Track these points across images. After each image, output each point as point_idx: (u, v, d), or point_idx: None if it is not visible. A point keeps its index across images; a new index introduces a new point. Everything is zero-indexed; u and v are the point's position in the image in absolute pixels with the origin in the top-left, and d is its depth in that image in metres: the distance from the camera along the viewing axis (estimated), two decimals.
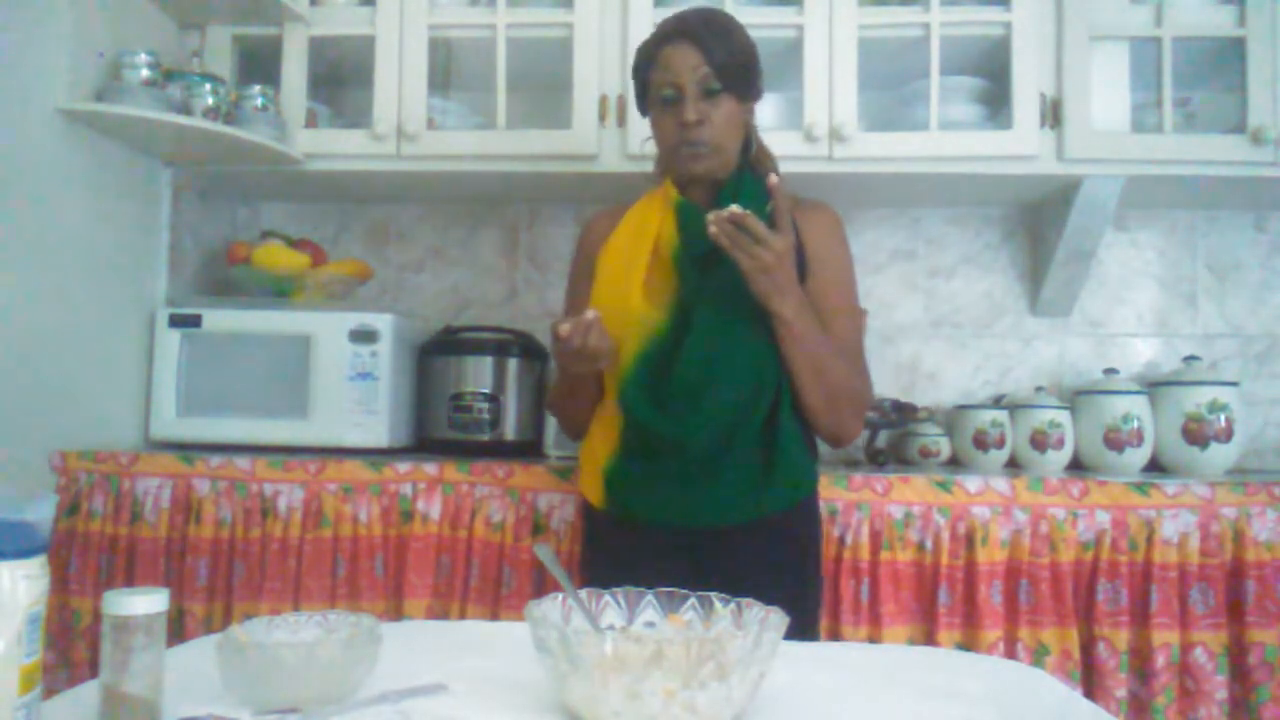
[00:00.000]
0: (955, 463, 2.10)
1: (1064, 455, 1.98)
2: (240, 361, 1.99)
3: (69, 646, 1.77)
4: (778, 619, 0.80)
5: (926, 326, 2.31)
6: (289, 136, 2.04)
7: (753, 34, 1.86)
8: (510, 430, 2.02)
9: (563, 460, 1.91)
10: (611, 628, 0.88)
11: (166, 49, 2.04)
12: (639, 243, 1.40)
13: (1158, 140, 1.93)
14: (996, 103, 2.04)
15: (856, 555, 1.67)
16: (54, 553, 1.75)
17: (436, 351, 2.08)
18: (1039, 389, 2.11)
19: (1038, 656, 1.62)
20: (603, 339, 1.26)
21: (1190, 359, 2.02)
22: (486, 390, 2.01)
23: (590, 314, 1.24)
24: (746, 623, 0.84)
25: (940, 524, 1.67)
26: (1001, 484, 1.69)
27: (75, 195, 1.84)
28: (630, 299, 1.36)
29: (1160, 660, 1.61)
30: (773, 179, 1.25)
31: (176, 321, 2.00)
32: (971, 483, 1.69)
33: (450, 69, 2.23)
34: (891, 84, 2.07)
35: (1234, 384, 1.95)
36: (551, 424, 2.04)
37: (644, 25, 1.96)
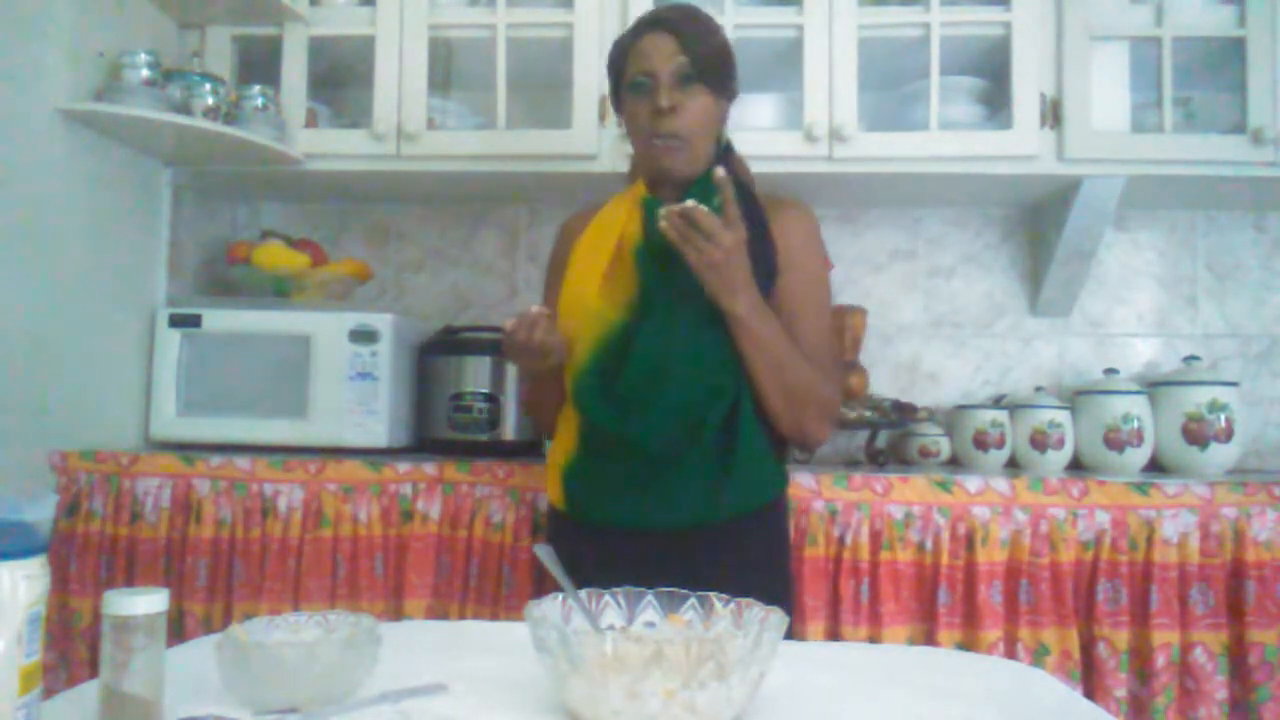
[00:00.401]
0: (955, 463, 2.10)
1: (1064, 455, 1.98)
2: (240, 361, 1.99)
3: (69, 646, 1.77)
4: (778, 619, 0.80)
5: (926, 326, 2.31)
6: (289, 136, 2.04)
7: (753, 34, 1.87)
8: (510, 430, 2.02)
9: None
10: (611, 628, 0.88)
11: (166, 49, 2.04)
12: (604, 240, 1.39)
13: (1158, 140, 1.93)
14: (996, 103, 2.04)
15: (856, 555, 1.67)
16: (54, 553, 1.75)
17: (436, 351, 2.08)
18: (1039, 389, 2.11)
19: (1038, 656, 1.62)
20: (549, 335, 1.24)
21: (1190, 359, 2.02)
22: (486, 390, 2.01)
23: (535, 309, 1.23)
24: (746, 623, 0.84)
25: (940, 524, 1.67)
26: (1001, 484, 1.69)
27: (75, 195, 1.84)
28: (588, 296, 1.35)
29: (1160, 660, 1.61)
30: (719, 171, 1.23)
31: (176, 321, 2.00)
32: (971, 483, 1.69)
33: (450, 69, 2.23)
34: (891, 84, 2.07)
35: (1234, 384, 1.95)
36: None
37: None
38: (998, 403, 2.11)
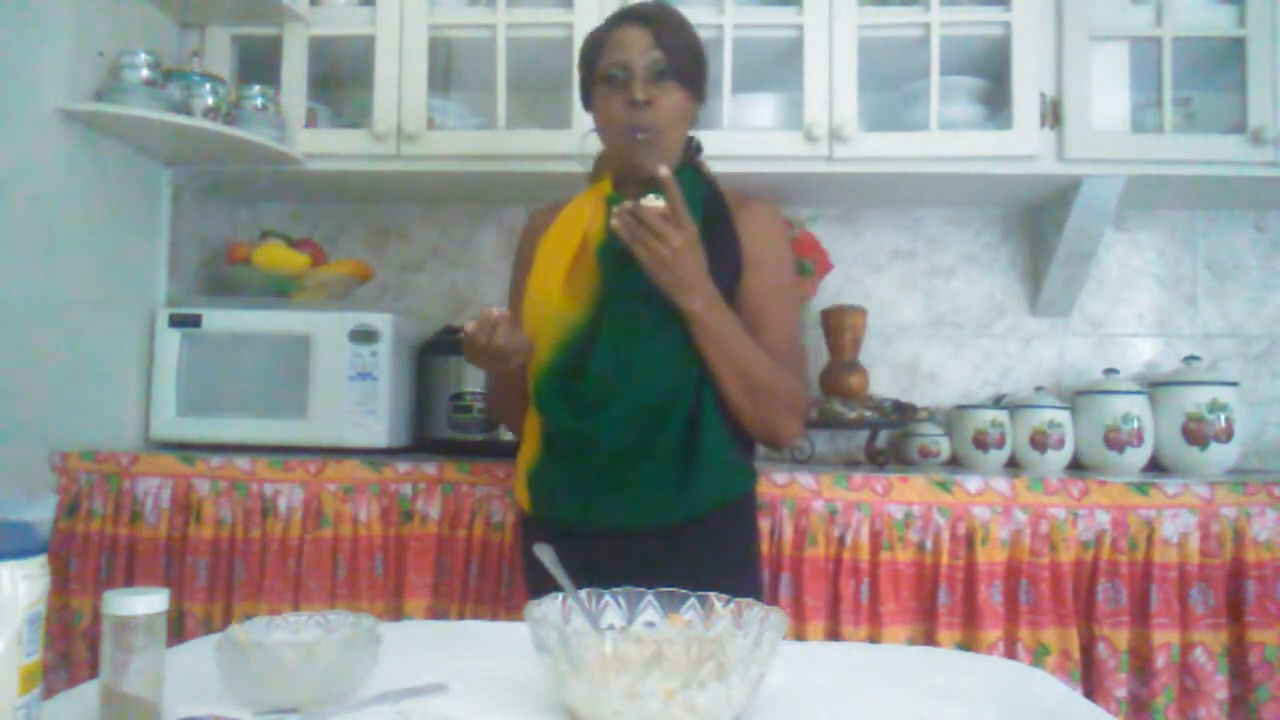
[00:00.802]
0: (955, 463, 2.10)
1: (1064, 455, 1.98)
2: (240, 361, 1.99)
3: (69, 646, 1.77)
4: (778, 619, 0.80)
5: (926, 326, 2.31)
6: (289, 136, 2.04)
7: (753, 34, 1.87)
8: (510, 430, 2.02)
9: None
10: (611, 628, 0.88)
11: (166, 49, 2.04)
12: (567, 238, 1.38)
13: (1158, 140, 1.93)
14: (996, 103, 2.04)
15: (856, 555, 1.67)
16: (54, 553, 1.75)
17: (436, 351, 2.08)
18: (1039, 389, 2.11)
19: (1038, 656, 1.62)
20: (510, 337, 1.23)
21: (1190, 359, 2.02)
22: (486, 390, 2.01)
23: (495, 311, 1.21)
24: (746, 623, 0.84)
25: (940, 524, 1.67)
26: (1001, 484, 1.69)
27: (75, 195, 1.84)
28: (550, 295, 1.34)
29: (1160, 660, 1.61)
30: (662, 170, 1.21)
31: (176, 321, 2.00)
32: (971, 483, 1.69)
33: (450, 69, 2.23)
34: (891, 84, 2.07)
35: (1234, 384, 1.95)
36: None
37: None
38: (998, 403, 2.11)
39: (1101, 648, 1.63)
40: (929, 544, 1.67)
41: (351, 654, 0.81)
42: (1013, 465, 2.04)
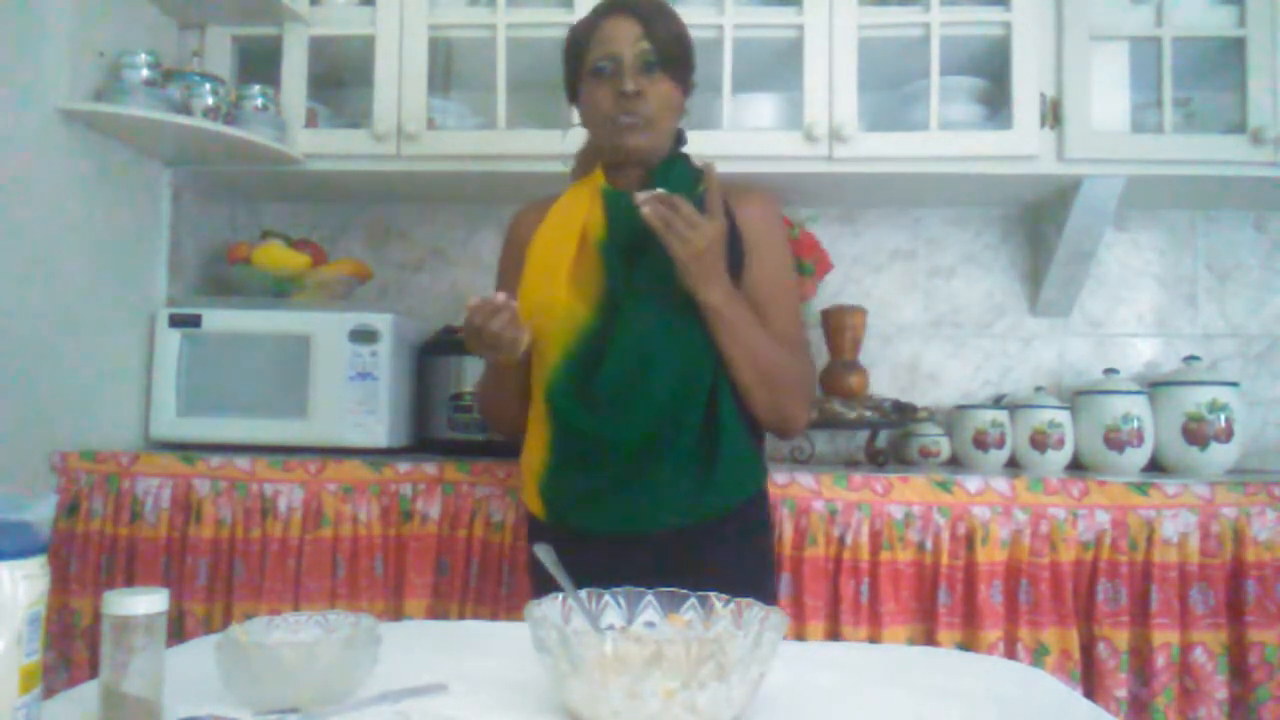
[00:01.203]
0: (955, 463, 2.10)
1: (1064, 455, 1.98)
2: (240, 361, 1.99)
3: (69, 646, 1.77)
4: (778, 619, 0.80)
5: (926, 326, 2.31)
6: (289, 136, 2.04)
7: (753, 34, 1.87)
8: (498, 432, 2.02)
9: None
10: (611, 628, 0.88)
11: (166, 49, 2.04)
12: (565, 234, 1.34)
13: (1158, 140, 1.93)
14: (996, 103, 2.04)
15: (856, 555, 1.67)
16: (54, 553, 1.75)
17: (436, 351, 2.08)
18: (1039, 389, 2.11)
19: (1038, 656, 1.62)
20: (513, 328, 1.20)
21: (1190, 359, 2.02)
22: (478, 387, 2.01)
23: (500, 296, 1.19)
24: (746, 623, 0.84)
25: (940, 524, 1.67)
26: (1001, 484, 1.69)
27: (75, 195, 1.84)
28: (556, 293, 1.31)
29: (1160, 660, 1.61)
30: (712, 164, 1.23)
31: (176, 321, 2.00)
32: (971, 483, 1.69)
33: (450, 69, 2.23)
34: (891, 84, 2.07)
35: (1234, 384, 1.95)
36: None
37: None
38: (998, 403, 2.11)
39: (1101, 648, 1.63)
40: (929, 544, 1.67)
41: (351, 654, 0.81)
42: (1013, 465, 2.04)
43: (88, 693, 0.79)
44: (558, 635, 0.74)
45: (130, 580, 1.77)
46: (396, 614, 1.76)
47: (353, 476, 1.80)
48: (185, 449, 1.91)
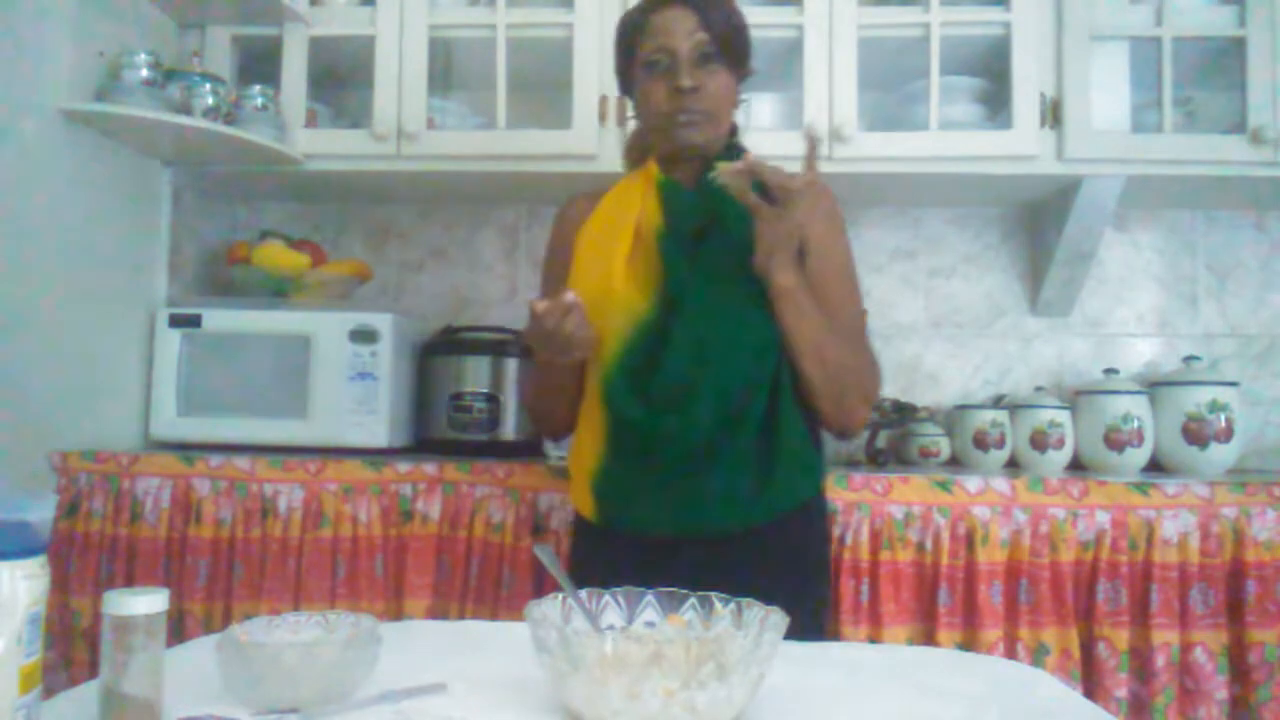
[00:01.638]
0: (955, 463, 2.10)
1: (1064, 455, 1.98)
2: (240, 361, 1.99)
3: (69, 646, 1.77)
4: (778, 619, 0.80)
5: (926, 326, 2.31)
6: (289, 136, 2.04)
7: (753, 34, 1.86)
8: (510, 430, 2.02)
9: (563, 460, 1.90)
10: (611, 628, 0.88)
11: (166, 49, 2.04)
12: (619, 225, 1.30)
13: (1158, 140, 1.93)
14: (996, 103, 2.04)
15: (856, 555, 1.67)
16: (54, 553, 1.75)
17: (436, 351, 2.08)
18: (1039, 389, 2.11)
19: (1038, 656, 1.62)
20: (582, 327, 1.16)
21: (1190, 359, 2.02)
22: (486, 390, 2.01)
23: (569, 295, 1.13)
24: (746, 623, 0.84)
25: (940, 524, 1.67)
26: (1001, 484, 1.69)
27: (75, 195, 1.84)
28: (612, 284, 1.26)
29: (1160, 660, 1.61)
30: (813, 129, 1.20)
31: (176, 321, 2.00)
32: (971, 483, 1.69)
33: (450, 69, 2.23)
34: (891, 84, 2.07)
35: (1234, 384, 1.95)
36: None
37: None
38: (998, 403, 2.11)
39: (1101, 648, 1.63)
40: (929, 544, 1.67)
41: (351, 654, 0.80)
42: (1013, 465, 2.04)
43: (88, 693, 0.79)
44: (558, 635, 0.74)
45: (130, 580, 1.77)
46: (396, 614, 1.76)
47: (353, 476, 1.80)
48: (185, 449, 1.91)
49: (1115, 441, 1.93)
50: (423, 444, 2.07)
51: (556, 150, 2.01)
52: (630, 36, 1.30)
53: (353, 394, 1.95)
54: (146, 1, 2.01)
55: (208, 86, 1.93)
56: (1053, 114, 1.93)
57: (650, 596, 0.90)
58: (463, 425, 2.01)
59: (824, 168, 1.94)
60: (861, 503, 1.68)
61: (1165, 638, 1.61)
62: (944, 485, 1.69)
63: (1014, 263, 2.30)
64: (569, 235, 1.37)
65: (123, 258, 2.00)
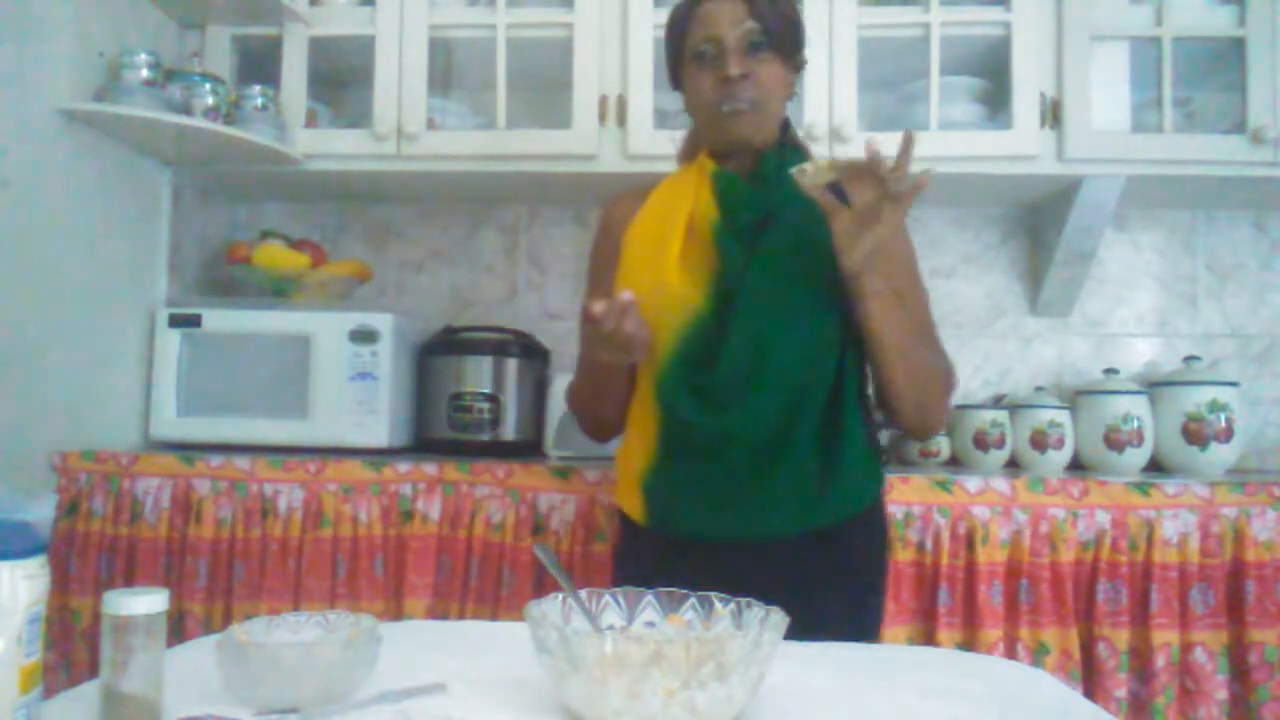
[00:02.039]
0: (955, 462, 2.10)
1: (1064, 455, 1.98)
2: (240, 361, 1.99)
3: (69, 646, 1.77)
4: (778, 619, 0.80)
5: None
6: (289, 136, 2.04)
7: None
8: (510, 430, 2.02)
9: (563, 460, 1.90)
10: (611, 628, 0.88)
11: (166, 49, 2.04)
12: (670, 220, 1.25)
13: (1158, 140, 1.93)
14: (996, 103, 2.04)
15: None
16: (54, 553, 1.75)
17: (436, 351, 2.08)
18: (1039, 389, 2.11)
19: (1038, 656, 1.62)
20: (641, 327, 1.12)
21: (1190, 359, 2.02)
22: (486, 390, 2.01)
23: (626, 295, 1.09)
24: (746, 623, 0.84)
25: (940, 524, 1.67)
26: (1001, 484, 1.69)
27: (75, 195, 1.84)
28: (666, 279, 1.22)
29: (1160, 660, 1.61)
30: (908, 131, 1.14)
31: (176, 321, 2.00)
32: (971, 483, 1.69)
33: (450, 69, 2.23)
34: (891, 84, 2.07)
35: (1234, 384, 1.95)
36: (552, 423, 2.03)
37: (644, 25, 1.96)
38: (998, 403, 2.11)
39: (1101, 648, 1.63)
40: (929, 544, 1.67)
41: (351, 654, 0.80)
42: (1013, 465, 2.04)
43: (88, 693, 0.79)
44: (558, 635, 0.74)
45: (130, 580, 1.77)
46: (396, 614, 1.76)
47: (353, 476, 1.80)
48: (185, 449, 1.90)
49: (1115, 441, 1.93)
50: (423, 444, 2.07)
51: (556, 150, 2.01)
52: (679, 28, 1.27)
53: (353, 394, 1.95)
54: (146, 1, 2.01)
55: (208, 86, 1.93)
56: (1053, 114, 1.93)
57: (650, 596, 0.90)
58: (463, 425, 2.01)
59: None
60: None
61: (1165, 638, 1.61)
62: (944, 485, 1.69)
63: (1014, 263, 2.30)
64: (616, 234, 1.33)
65: (123, 257, 2.00)
